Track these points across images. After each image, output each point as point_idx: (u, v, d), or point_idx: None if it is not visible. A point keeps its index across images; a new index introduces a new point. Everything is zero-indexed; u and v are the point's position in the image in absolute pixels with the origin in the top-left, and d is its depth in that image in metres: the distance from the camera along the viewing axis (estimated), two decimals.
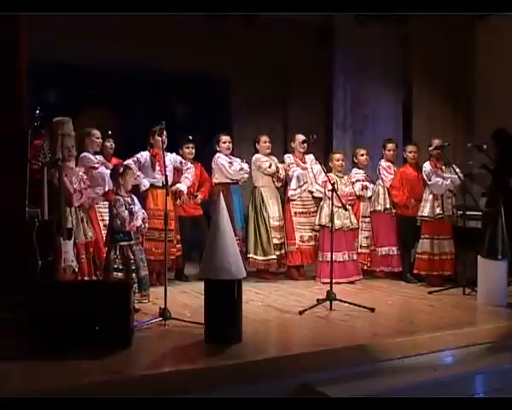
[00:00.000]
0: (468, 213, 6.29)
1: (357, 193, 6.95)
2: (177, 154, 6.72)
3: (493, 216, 5.66)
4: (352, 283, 6.59)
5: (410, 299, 5.88)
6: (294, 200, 6.95)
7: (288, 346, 4.35)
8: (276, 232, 6.90)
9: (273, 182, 6.98)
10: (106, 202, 5.94)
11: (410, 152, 6.91)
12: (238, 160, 6.97)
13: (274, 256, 6.83)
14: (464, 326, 4.68)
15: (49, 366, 3.58)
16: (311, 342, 4.37)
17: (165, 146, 5.50)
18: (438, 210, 6.50)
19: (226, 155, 6.91)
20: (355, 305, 5.18)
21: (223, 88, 9.26)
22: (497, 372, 4.27)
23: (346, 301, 5.20)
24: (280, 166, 6.96)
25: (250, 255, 6.78)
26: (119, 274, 5.17)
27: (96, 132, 6.19)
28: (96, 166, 5.99)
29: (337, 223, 6.39)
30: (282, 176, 6.96)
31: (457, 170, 6.38)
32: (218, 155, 6.90)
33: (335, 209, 5.97)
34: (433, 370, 4.14)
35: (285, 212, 7.01)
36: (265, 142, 7.00)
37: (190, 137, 6.84)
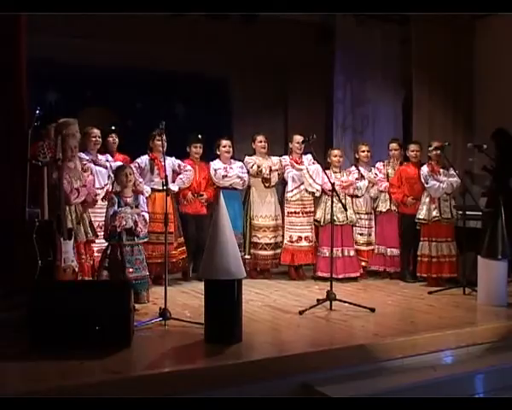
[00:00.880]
0: (468, 213, 6.30)
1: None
2: (185, 152, 6.73)
3: (493, 216, 5.66)
4: (350, 279, 6.62)
5: (410, 299, 5.88)
6: (292, 200, 6.96)
7: (288, 346, 4.34)
8: (267, 232, 6.92)
9: (262, 183, 6.99)
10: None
11: (413, 151, 6.94)
12: (239, 163, 6.96)
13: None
14: (464, 326, 4.68)
15: (49, 366, 3.58)
16: (311, 342, 4.37)
17: (164, 149, 5.48)
18: (434, 213, 6.52)
19: (225, 160, 6.90)
20: (355, 305, 5.19)
21: (223, 88, 9.25)
22: (497, 372, 4.26)
23: (346, 301, 5.20)
24: (265, 165, 6.92)
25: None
26: (105, 273, 5.21)
27: (93, 132, 6.13)
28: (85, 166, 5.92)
29: (328, 218, 6.44)
30: (266, 175, 6.93)
31: (457, 172, 6.38)
32: (215, 161, 6.90)
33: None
34: (433, 370, 4.14)
35: (282, 211, 7.06)
36: (261, 141, 7.01)
37: (200, 136, 6.82)
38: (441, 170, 6.60)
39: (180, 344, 4.19)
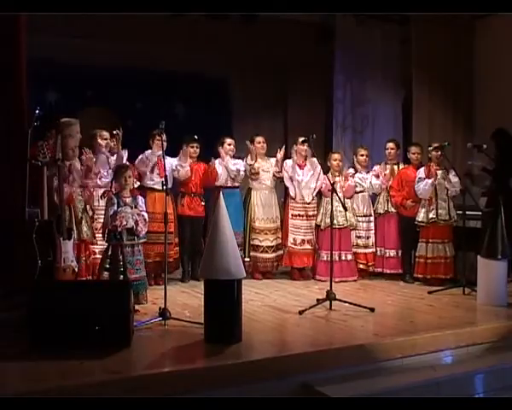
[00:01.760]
0: (468, 213, 6.29)
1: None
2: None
3: (493, 216, 5.67)
4: (345, 282, 6.62)
5: (410, 299, 5.88)
6: (295, 203, 6.95)
7: (288, 346, 4.34)
8: (269, 234, 6.92)
9: (263, 183, 6.97)
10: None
11: (414, 153, 6.92)
12: (240, 161, 6.95)
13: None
14: (464, 326, 4.68)
15: (49, 366, 3.58)
16: (311, 342, 4.37)
17: (165, 149, 5.47)
18: (431, 214, 6.52)
19: (227, 158, 6.89)
20: (355, 305, 5.19)
21: (223, 88, 9.25)
22: (497, 372, 4.27)
23: (345, 301, 5.20)
24: (242, 163, 6.89)
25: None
26: (106, 273, 5.20)
27: (103, 134, 6.14)
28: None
29: (327, 221, 6.43)
30: (247, 174, 6.92)
31: (457, 173, 6.38)
32: (218, 159, 6.88)
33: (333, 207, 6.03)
34: (432, 370, 4.14)
35: (285, 214, 7.04)
36: (259, 142, 6.98)
37: (196, 137, 6.82)
38: (439, 172, 6.57)
39: (180, 344, 4.19)
